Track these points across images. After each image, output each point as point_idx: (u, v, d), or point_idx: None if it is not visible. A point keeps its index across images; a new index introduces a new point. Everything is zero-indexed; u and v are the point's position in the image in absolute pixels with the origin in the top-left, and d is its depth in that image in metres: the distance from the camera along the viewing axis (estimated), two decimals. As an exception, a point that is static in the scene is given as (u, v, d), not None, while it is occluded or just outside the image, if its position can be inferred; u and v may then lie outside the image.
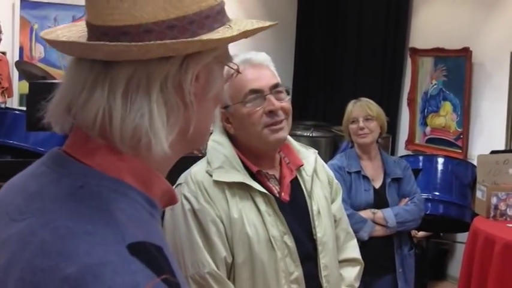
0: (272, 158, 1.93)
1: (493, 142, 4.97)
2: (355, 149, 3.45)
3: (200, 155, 2.19)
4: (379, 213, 3.29)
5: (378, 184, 3.38)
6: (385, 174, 3.40)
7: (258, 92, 1.83)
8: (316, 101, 6.81)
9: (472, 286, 3.25)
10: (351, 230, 2.11)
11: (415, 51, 5.87)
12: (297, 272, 1.85)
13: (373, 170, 3.40)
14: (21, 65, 5.23)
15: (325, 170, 2.05)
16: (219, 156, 1.85)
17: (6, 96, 5.18)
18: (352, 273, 2.05)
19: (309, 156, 1.99)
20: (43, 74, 4.80)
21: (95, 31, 0.85)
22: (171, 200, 0.93)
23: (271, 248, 1.81)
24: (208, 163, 1.85)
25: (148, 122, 0.82)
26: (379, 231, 3.28)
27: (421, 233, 5.15)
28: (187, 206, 1.80)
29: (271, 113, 1.82)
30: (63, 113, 0.86)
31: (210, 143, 1.89)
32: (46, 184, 0.85)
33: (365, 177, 3.35)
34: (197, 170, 1.86)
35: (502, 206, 3.54)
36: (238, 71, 0.99)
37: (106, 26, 0.83)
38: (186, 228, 1.79)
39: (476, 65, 5.34)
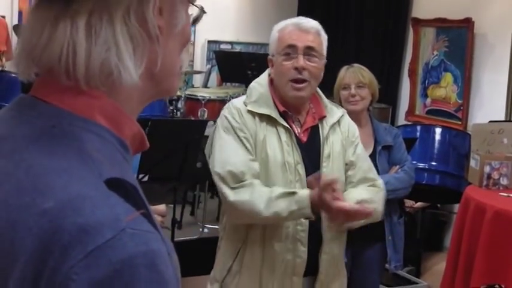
0: (298, 107, 2.31)
1: (493, 114, 4.93)
2: None
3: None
4: None
5: (368, 152, 3.33)
6: (376, 142, 3.37)
7: (293, 48, 2.23)
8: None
9: (461, 254, 3.24)
10: (372, 175, 2.44)
11: (417, 22, 5.81)
12: None
13: (364, 138, 3.35)
14: (20, 29, 5.22)
15: (349, 126, 2.42)
16: (256, 93, 2.29)
17: (4, 59, 5.17)
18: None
19: (335, 113, 2.38)
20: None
21: None
22: (142, 144, 0.92)
23: (285, 171, 2.22)
24: (247, 96, 2.31)
25: (116, 55, 0.81)
26: None
27: (419, 204, 5.15)
28: (226, 123, 2.25)
29: (297, 69, 2.22)
30: (27, 60, 0.85)
31: (252, 83, 2.35)
32: (15, 127, 0.84)
33: None
34: (237, 100, 2.35)
35: (495, 175, 3.52)
36: (203, 11, 0.99)
37: None
38: (221, 135, 2.24)
39: (478, 36, 5.28)
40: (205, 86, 6.42)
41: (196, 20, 0.98)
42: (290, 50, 2.25)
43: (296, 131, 2.29)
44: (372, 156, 3.34)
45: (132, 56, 0.83)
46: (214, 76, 6.65)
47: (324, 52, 2.32)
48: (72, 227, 0.71)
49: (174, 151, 3.84)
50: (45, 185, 0.76)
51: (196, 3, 0.95)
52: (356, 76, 3.32)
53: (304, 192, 2.15)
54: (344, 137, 2.38)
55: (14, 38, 5.41)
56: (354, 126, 2.47)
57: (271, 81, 2.33)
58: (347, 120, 2.44)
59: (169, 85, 0.93)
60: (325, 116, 2.34)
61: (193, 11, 0.96)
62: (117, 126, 0.85)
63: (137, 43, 0.84)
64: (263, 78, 2.35)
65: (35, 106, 0.84)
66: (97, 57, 0.81)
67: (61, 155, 0.78)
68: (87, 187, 0.75)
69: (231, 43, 6.79)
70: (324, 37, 2.32)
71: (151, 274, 0.73)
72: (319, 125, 2.33)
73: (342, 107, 3.41)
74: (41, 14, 0.84)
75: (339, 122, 2.37)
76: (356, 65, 3.43)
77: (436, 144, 4.51)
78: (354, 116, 3.37)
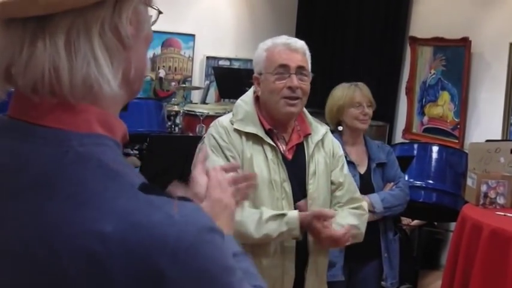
0: (286, 123, 2.36)
1: (489, 133, 4.95)
2: (339, 135, 3.42)
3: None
4: (366, 199, 3.27)
5: (362, 169, 3.36)
6: (370, 159, 3.39)
7: (285, 67, 2.28)
8: (315, 89, 6.77)
9: (457, 272, 3.25)
10: (358, 195, 2.49)
11: (415, 40, 5.85)
12: None
13: (357, 155, 3.38)
14: None
15: (332, 144, 2.46)
16: (242, 111, 2.33)
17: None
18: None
19: (319, 130, 2.42)
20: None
21: None
22: (125, 138, 0.96)
23: (272, 189, 2.26)
24: (233, 115, 2.34)
25: (95, 68, 0.85)
26: None
27: (415, 222, 5.15)
28: (213, 142, 2.27)
29: (290, 88, 2.27)
30: (1, 79, 0.86)
31: (238, 101, 2.39)
32: (24, 157, 0.85)
33: (350, 163, 3.34)
34: (223, 118, 2.36)
35: (492, 194, 3.53)
36: (160, 12, 1.01)
37: None
38: (209, 155, 2.19)
39: (475, 55, 5.32)
40: (203, 102, 6.43)
41: (154, 22, 1.01)
42: (282, 70, 2.29)
43: (281, 149, 2.33)
44: (367, 174, 3.36)
45: (111, 67, 0.87)
46: (213, 92, 6.67)
47: (310, 70, 2.39)
48: (142, 241, 0.79)
49: (172, 167, 3.84)
50: (93, 212, 0.80)
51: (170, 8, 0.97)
52: (367, 95, 3.37)
53: (293, 214, 2.21)
54: (328, 155, 2.42)
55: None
56: (337, 144, 2.51)
57: (257, 99, 2.37)
58: (330, 137, 2.48)
59: (138, 87, 0.98)
60: (310, 134, 2.39)
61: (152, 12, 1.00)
62: (111, 131, 0.90)
63: (113, 53, 0.88)
64: (248, 96, 2.38)
65: (33, 132, 0.85)
66: (79, 73, 0.84)
67: (90, 180, 0.82)
68: (131, 201, 0.81)
69: (230, 59, 6.81)
70: (309, 55, 2.39)
71: (217, 237, 0.85)
72: (304, 143, 2.38)
73: (340, 123, 3.45)
74: (13, 33, 0.85)
75: (322, 139, 2.41)
76: (360, 83, 3.46)
77: (433, 163, 4.52)
78: (357, 134, 3.40)
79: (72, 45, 0.84)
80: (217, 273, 0.84)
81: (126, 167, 0.87)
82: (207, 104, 6.34)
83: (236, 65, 6.79)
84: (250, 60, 7.54)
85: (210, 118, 5.46)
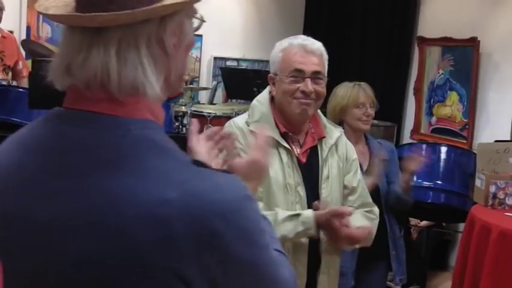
0: (300, 125, 2.33)
1: (498, 133, 4.93)
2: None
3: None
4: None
5: (365, 166, 3.35)
6: (372, 155, 3.38)
7: (300, 72, 2.24)
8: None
9: (467, 273, 3.23)
10: (370, 200, 2.46)
11: (423, 40, 5.83)
12: None
13: (359, 155, 3.36)
14: (28, 44, 5.24)
15: (346, 148, 2.42)
16: (258, 112, 2.31)
17: (11, 74, 5.15)
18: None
19: (334, 133, 2.39)
20: (49, 53, 4.79)
21: (83, 1, 1.00)
22: (163, 123, 1.10)
23: (286, 192, 2.24)
24: (249, 116, 2.32)
25: (142, 73, 0.99)
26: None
27: (424, 223, 5.13)
28: None
29: (304, 92, 2.24)
30: (62, 73, 1.01)
31: (254, 102, 2.37)
32: (88, 140, 0.99)
33: None
34: (239, 119, 2.34)
35: (501, 195, 3.51)
36: (203, 20, 1.13)
37: None
38: None
39: (484, 55, 5.30)
40: (211, 102, 6.43)
41: (197, 29, 1.13)
42: (297, 74, 2.25)
43: (296, 152, 2.30)
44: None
45: (155, 72, 1.02)
46: (220, 93, 6.67)
47: (326, 72, 2.34)
48: (199, 205, 0.93)
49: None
50: (157, 181, 0.94)
51: (198, 14, 1.12)
52: (370, 96, 3.35)
53: (308, 213, 2.18)
54: (341, 158, 2.39)
55: (22, 53, 5.44)
56: (351, 147, 2.48)
57: (272, 99, 2.34)
58: (344, 141, 2.44)
59: (178, 86, 1.12)
60: (324, 137, 2.35)
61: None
62: (158, 117, 1.06)
63: (157, 61, 1.02)
64: (264, 97, 2.35)
65: (94, 119, 1.00)
66: (128, 76, 0.99)
67: (149, 157, 0.97)
68: (187, 172, 0.97)
69: (237, 60, 6.81)
70: (326, 57, 2.33)
71: (254, 203, 1.03)
72: (318, 146, 2.34)
73: (343, 123, 3.43)
74: (76, 37, 1.00)
75: (336, 143, 2.37)
76: (363, 83, 3.43)
77: (442, 163, 4.49)
78: (359, 134, 3.38)
79: (122, 53, 0.98)
80: (255, 232, 1.01)
81: (174, 145, 1.02)
82: (214, 104, 6.34)
83: (243, 65, 6.78)
84: (258, 61, 7.51)
85: (217, 118, 5.47)
